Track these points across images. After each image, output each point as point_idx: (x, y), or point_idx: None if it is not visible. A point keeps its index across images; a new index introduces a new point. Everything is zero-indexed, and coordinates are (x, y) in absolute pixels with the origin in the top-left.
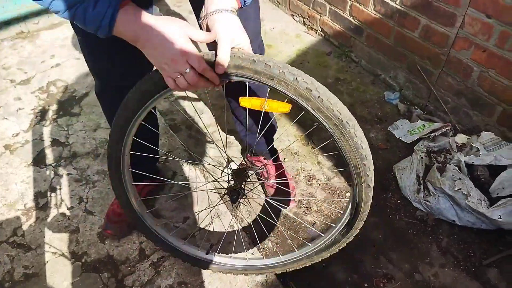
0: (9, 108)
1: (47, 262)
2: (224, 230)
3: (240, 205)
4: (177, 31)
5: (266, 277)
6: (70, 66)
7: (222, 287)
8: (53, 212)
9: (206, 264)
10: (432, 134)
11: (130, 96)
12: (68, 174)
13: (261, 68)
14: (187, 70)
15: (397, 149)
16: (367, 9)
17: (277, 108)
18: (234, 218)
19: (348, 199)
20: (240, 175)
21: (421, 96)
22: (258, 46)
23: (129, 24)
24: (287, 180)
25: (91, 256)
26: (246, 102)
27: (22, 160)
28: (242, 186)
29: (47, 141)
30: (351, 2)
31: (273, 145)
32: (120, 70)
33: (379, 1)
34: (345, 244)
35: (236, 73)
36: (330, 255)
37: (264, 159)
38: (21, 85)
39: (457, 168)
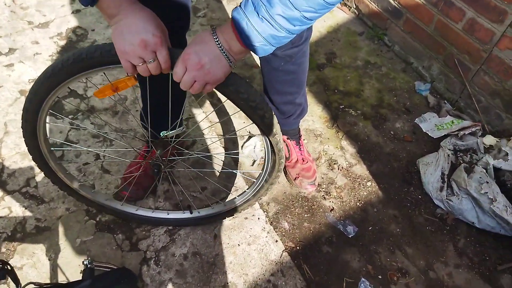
0: (26, 51)
1: (60, 217)
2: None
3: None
4: (161, 26)
5: (280, 257)
6: (91, 14)
7: (236, 262)
8: (68, 166)
9: (195, 220)
10: (461, 132)
11: (62, 62)
12: (84, 129)
13: None
14: (151, 61)
15: (423, 142)
16: None
17: (126, 84)
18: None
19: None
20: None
21: (453, 91)
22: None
23: (116, 4)
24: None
25: (106, 216)
26: (100, 94)
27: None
28: (163, 160)
29: (64, 91)
30: None
31: (298, 127)
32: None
33: None
34: (276, 181)
35: None
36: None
37: (288, 139)
38: (39, 28)
39: (484, 170)
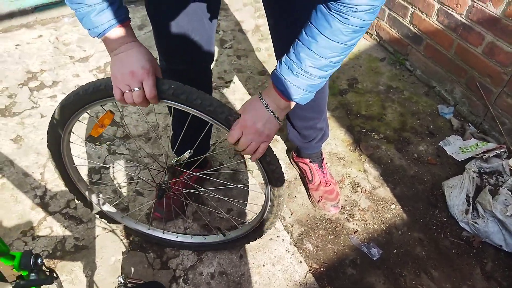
0: (68, 84)
1: (97, 236)
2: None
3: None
4: (152, 61)
5: (305, 278)
6: None
7: (261, 282)
8: (105, 189)
9: (230, 243)
10: (486, 154)
11: (78, 92)
12: (121, 154)
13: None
14: (136, 89)
15: (447, 165)
16: (429, 19)
17: (108, 120)
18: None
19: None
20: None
21: (476, 114)
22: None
23: (117, 41)
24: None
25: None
26: (94, 132)
27: (78, 135)
28: (169, 183)
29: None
30: (413, 10)
31: (321, 151)
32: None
33: (443, 12)
34: (281, 193)
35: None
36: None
37: (310, 162)
38: (80, 62)
39: (510, 192)
